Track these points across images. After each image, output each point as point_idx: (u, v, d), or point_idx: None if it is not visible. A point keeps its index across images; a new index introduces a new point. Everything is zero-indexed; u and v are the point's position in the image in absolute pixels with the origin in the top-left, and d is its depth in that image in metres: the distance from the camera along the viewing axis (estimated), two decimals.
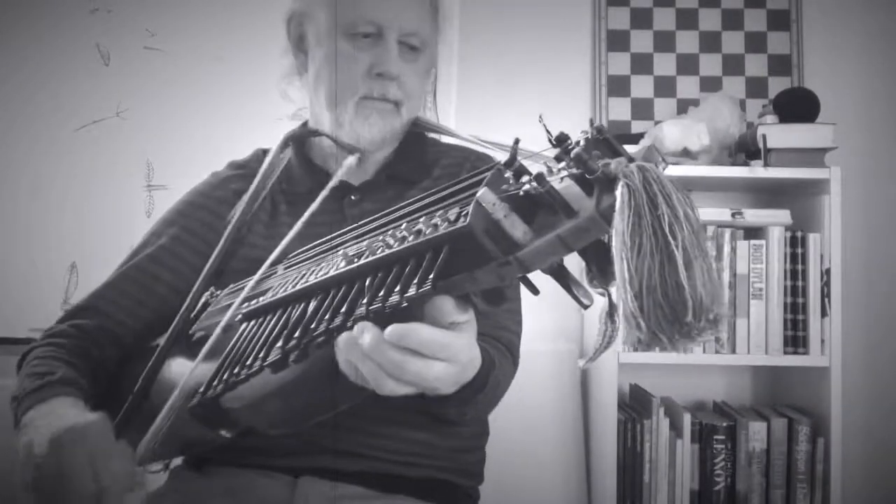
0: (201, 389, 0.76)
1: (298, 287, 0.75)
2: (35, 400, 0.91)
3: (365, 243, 0.73)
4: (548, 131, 0.58)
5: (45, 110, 2.10)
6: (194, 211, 1.14)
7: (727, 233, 1.82)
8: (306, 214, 0.98)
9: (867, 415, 2.06)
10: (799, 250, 1.81)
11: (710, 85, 2.12)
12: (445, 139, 1.20)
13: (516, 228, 0.57)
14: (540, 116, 0.63)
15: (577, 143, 0.56)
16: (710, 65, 2.13)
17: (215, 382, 0.76)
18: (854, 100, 2.11)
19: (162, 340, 1.02)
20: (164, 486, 1.07)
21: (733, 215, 1.82)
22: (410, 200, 0.75)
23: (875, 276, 2.09)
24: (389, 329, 0.62)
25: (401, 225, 0.70)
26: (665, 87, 2.13)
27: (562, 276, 0.61)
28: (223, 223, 1.10)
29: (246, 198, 1.10)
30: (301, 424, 0.80)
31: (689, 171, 1.83)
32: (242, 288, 0.91)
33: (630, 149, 0.58)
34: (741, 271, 1.80)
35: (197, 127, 2.07)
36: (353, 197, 1.11)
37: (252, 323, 0.80)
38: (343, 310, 0.67)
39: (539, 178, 0.55)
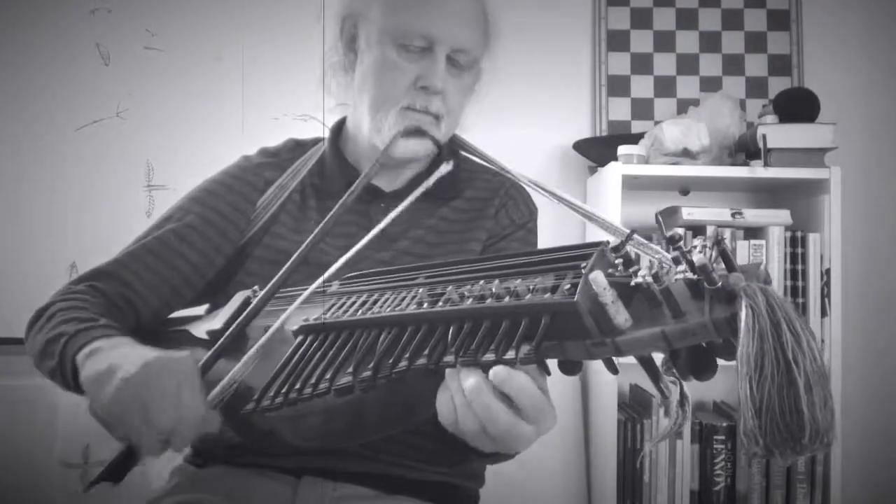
0: (255, 397, 0.76)
1: (371, 315, 0.75)
2: (90, 337, 0.89)
3: (450, 289, 0.73)
4: (661, 228, 0.62)
5: (45, 110, 2.10)
6: (225, 192, 1.12)
7: (727, 233, 1.82)
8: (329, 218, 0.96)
9: (867, 415, 2.06)
10: (799, 250, 1.81)
11: (710, 85, 2.12)
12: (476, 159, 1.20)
13: (620, 314, 0.61)
14: (657, 215, 0.67)
15: (694, 247, 0.60)
16: (710, 65, 2.13)
17: (272, 394, 0.75)
18: (854, 100, 2.11)
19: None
20: (167, 485, 1.07)
21: (733, 215, 1.83)
22: (499, 255, 0.77)
23: (875, 276, 2.09)
24: (494, 370, 0.64)
25: (492, 280, 0.72)
26: (665, 87, 2.13)
27: (650, 367, 0.65)
28: (253, 208, 1.10)
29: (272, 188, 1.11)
30: (334, 443, 0.81)
31: (689, 171, 1.83)
32: (289, 296, 0.90)
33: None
34: None
35: (197, 127, 2.08)
36: (381, 204, 1.11)
37: (310, 338, 0.79)
38: (426, 352, 0.68)
39: (657, 277, 0.59)
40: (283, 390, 0.75)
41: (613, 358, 0.64)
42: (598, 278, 0.61)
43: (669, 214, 1.91)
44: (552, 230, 2.10)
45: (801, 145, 1.79)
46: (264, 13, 2.13)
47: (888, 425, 2.09)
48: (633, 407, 1.93)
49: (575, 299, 0.61)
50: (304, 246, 0.90)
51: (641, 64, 2.13)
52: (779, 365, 0.53)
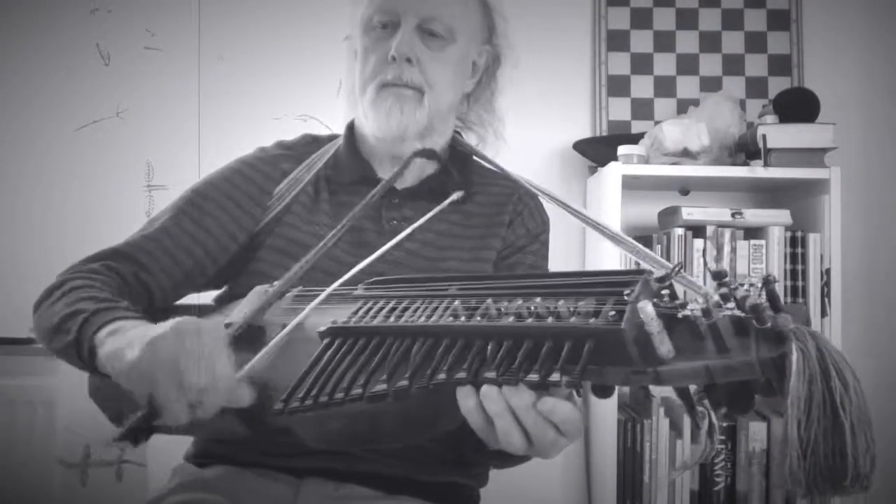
0: (283, 397, 0.75)
1: (405, 323, 0.75)
2: (112, 316, 0.87)
3: (488, 303, 0.73)
4: (706, 265, 0.63)
5: (45, 110, 2.11)
6: (242, 181, 1.12)
7: (727, 233, 1.82)
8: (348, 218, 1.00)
9: None
10: (799, 250, 1.81)
11: (710, 85, 2.12)
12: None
13: (664, 345, 0.62)
14: (704, 255, 0.69)
15: (741, 285, 0.61)
16: (710, 65, 2.13)
17: (301, 395, 0.74)
18: (854, 100, 2.11)
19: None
20: (167, 484, 1.07)
21: (733, 215, 1.83)
22: (536, 273, 0.79)
23: (875, 276, 2.09)
24: (543, 401, 0.66)
25: (531, 298, 0.72)
26: (665, 87, 2.13)
27: (686, 397, 0.66)
28: (269, 198, 1.11)
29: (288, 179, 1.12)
30: (350, 447, 0.80)
31: (689, 171, 1.83)
32: (311, 296, 0.90)
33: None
34: (741, 271, 1.80)
35: (197, 127, 2.08)
36: (394, 200, 1.11)
37: (339, 342, 0.78)
38: (465, 366, 0.69)
39: (707, 312, 0.60)
40: (314, 392, 0.74)
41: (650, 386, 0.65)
42: (647, 308, 0.62)
43: (669, 214, 1.91)
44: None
45: (801, 145, 1.79)
46: (265, 13, 2.13)
47: (888, 425, 2.09)
48: (633, 407, 1.93)
49: (622, 327, 0.62)
50: (320, 245, 0.91)
51: (641, 64, 2.13)
52: (825, 409, 0.56)
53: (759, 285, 0.60)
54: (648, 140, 1.89)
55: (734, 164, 1.90)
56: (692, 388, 0.65)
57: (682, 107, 2.09)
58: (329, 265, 1.01)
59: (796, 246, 1.81)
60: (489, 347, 0.69)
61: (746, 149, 1.87)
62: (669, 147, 1.83)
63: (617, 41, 2.13)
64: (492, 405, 0.67)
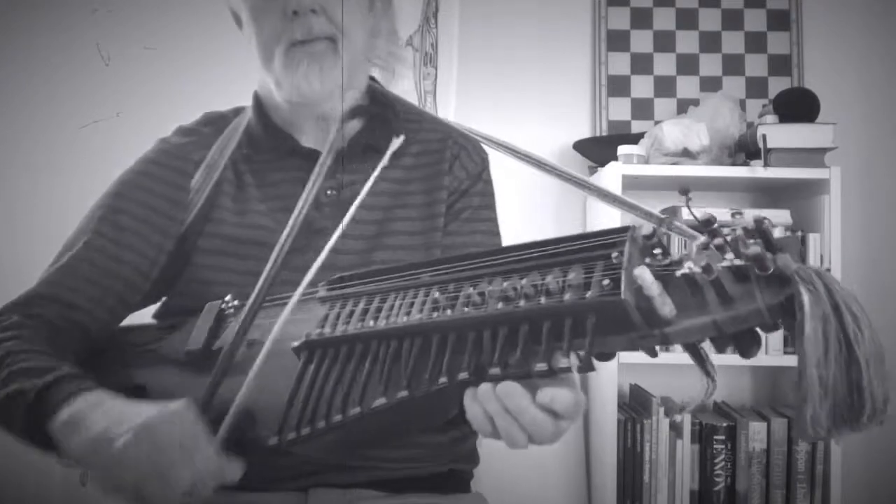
0: (277, 430, 0.71)
1: (388, 326, 0.70)
2: (59, 399, 0.78)
3: (470, 290, 0.69)
4: (693, 214, 0.62)
5: (45, 110, 2.10)
6: (153, 184, 1.01)
7: (726, 233, 1.82)
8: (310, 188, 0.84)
9: None
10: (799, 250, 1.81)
11: (710, 85, 2.12)
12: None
13: (665, 305, 0.60)
14: (687, 196, 0.66)
15: (733, 230, 0.60)
16: (710, 65, 2.13)
17: (296, 424, 0.69)
18: (854, 100, 2.11)
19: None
20: None
21: (733, 215, 1.82)
22: (513, 246, 0.73)
23: (875, 276, 2.09)
24: (542, 393, 0.64)
25: (511, 277, 0.68)
26: (665, 87, 2.13)
27: (696, 352, 0.64)
28: (187, 195, 1.00)
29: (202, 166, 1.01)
30: (349, 455, 0.77)
31: (689, 171, 1.83)
32: (276, 304, 0.82)
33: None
34: None
35: None
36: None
37: (318, 355, 0.73)
38: (464, 365, 0.66)
39: (707, 268, 0.58)
40: (308, 419, 0.70)
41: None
42: (645, 275, 0.60)
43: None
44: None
45: (801, 145, 1.79)
46: None
47: (889, 425, 2.08)
48: (633, 407, 1.93)
49: (622, 297, 0.60)
50: (277, 251, 0.80)
51: (641, 64, 2.13)
52: (840, 346, 0.55)
53: (751, 227, 0.60)
54: (648, 140, 1.89)
55: (734, 164, 1.90)
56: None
57: (682, 107, 2.09)
58: (269, 255, 0.93)
59: None
60: (485, 337, 0.65)
61: (746, 149, 1.87)
62: (669, 147, 1.83)
63: (617, 41, 2.13)
64: (489, 405, 0.66)
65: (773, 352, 1.79)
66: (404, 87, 2.03)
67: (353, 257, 0.97)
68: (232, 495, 0.94)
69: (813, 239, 1.80)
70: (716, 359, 0.63)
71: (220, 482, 0.72)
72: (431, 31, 2.09)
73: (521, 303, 0.65)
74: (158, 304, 1.06)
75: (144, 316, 1.05)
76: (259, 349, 0.75)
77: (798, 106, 1.84)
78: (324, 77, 0.95)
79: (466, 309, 0.67)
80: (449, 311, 0.68)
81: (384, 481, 0.98)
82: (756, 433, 1.79)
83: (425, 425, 0.74)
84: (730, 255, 0.59)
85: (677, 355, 1.80)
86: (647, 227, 0.65)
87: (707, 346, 0.64)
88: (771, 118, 1.83)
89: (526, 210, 2.07)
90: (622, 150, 1.85)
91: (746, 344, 0.61)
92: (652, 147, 1.87)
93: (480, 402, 0.66)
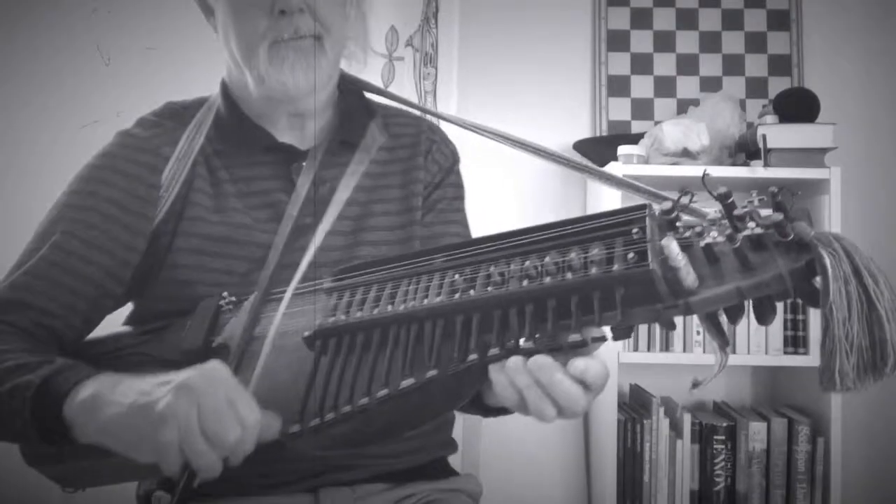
0: (298, 419, 0.70)
1: (407, 309, 0.70)
2: (71, 381, 0.77)
3: (491, 269, 0.69)
4: (709, 190, 0.65)
5: (45, 110, 2.10)
6: (120, 180, 0.96)
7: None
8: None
9: (867, 415, 2.06)
10: None
11: (710, 85, 2.12)
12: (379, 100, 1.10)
13: (689, 276, 0.62)
14: (704, 174, 0.68)
15: (751, 202, 0.63)
16: (710, 65, 2.13)
17: (320, 409, 0.69)
18: (854, 100, 2.11)
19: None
20: None
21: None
22: (531, 228, 0.73)
23: None
24: (574, 364, 0.65)
25: (537, 258, 0.68)
26: (665, 87, 2.13)
27: (716, 323, 0.66)
28: (157, 191, 0.96)
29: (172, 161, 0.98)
30: (358, 447, 0.76)
31: (689, 171, 1.83)
32: (271, 300, 0.83)
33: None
34: None
35: None
36: (303, 163, 0.99)
37: (333, 344, 0.73)
38: (492, 342, 0.66)
39: (731, 237, 0.61)
40: (332, 403, 0.69)
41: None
42: (672, 245, 0.62)
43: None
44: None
45: (801, 145, 1.79)
46: None
47: (889, 425, 2.09)
48: (633, 407, 1.93)
49: (651, 268, 0.61)
50: (277, 244, 0.82)
51: (641, 64, 2.13)
52: (862, 303, 0.60)
53: (767, 199, 0.63)
54: (648, 140, 1.89)
55: (734, 164, 1.90)
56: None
57: (682, 107, 2.09)
58: (253, 252, 0.94)
59: None
60: (511, 315, 0.66)
61: (746, 149, 1.87)
62: (669, 147, 1.83)
63: (617, 41, 2.13)
64: (519, 378, 0.65)
65: (773, 352, 1.79)
66: (404, 89, 2.03)
67: (336, 253, 0.97)
68: (244, 500, 0.94)
69: None
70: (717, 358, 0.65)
71: (262, 436, 0.71)
72: (431, 31, 2.09)
73: (546, 280, 0.65)
74: (129, 311, 1.01)
75: (107, 325, 1.00)
76: (259, 345, 0.75)
77: (798, 106, 1.84)
78: (308, 73, 0.94)
79: (489, 289, 0.67)
80: (472, 292, 0.68)
81: (388, 474, 1.00)
82: (756, 433, 1.79)
83: (447, 408, 0.73)
84: (751, 224, 0.62)
85: (677, 355, 1.81)
86: (665, 203, 0.68)
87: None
88: (771, 118, 1.83)
89: (526, 208, 2.07)
90: (622, 150, 1.85)
91: (765, 310, 0.64)
92: (652, 147, 1.87)
93: (510, 375, 0.66)
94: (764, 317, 0.64)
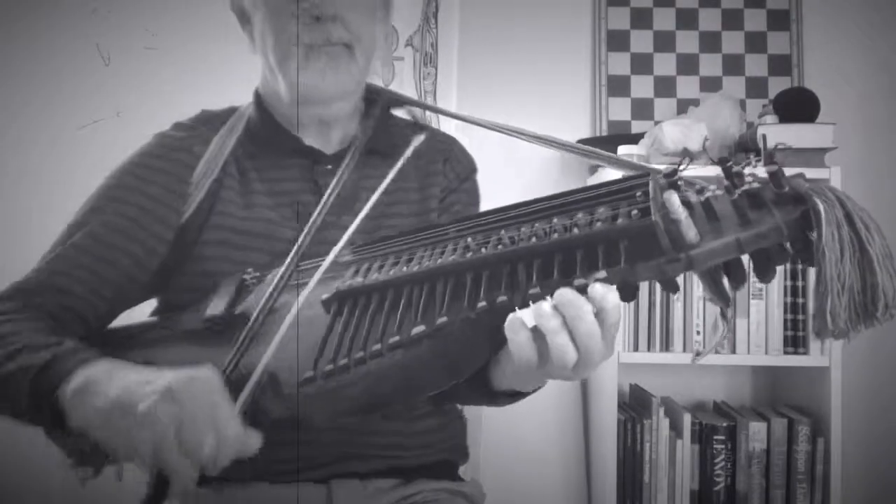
0: (313, 366, 0.71)
1: (422, 268, 0.72)
2: (71, 364, 0.78)
3: (501, 233, 0.72)
4: (710, 156, 0.69)
5: (45, 110, 2.10)
6: (154, 175, 1.02)
7: None
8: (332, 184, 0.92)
9: (867, 415, 2.06)
10: None
11: (710, 85, 2.12)
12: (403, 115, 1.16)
13: (691, 230, 0.64)
14: (704, 140, 0.72)
15: (742, 164, 0.66)
16: (710, 65, 2.13)
17: (332, 357, 0.70)
18: (854, 100, 2.11)
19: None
20: None
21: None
22: (540, 198, 0.77)
23: None
24: (593, 289, 0.65)
25: (549, 220, 0.71)
26: (665, 87, 2.13)
27: (718, 281, 0.68)
28: (188, 188, 1.01)
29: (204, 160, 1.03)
30: (366, 414, 0.77)
31: (689, 171, 1.82)
32: (302, 271, 0.85)
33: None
34: None
35: None
36: (328, 166, 1.04)
37: (350, 304, 0.74)
38: (502, 290, 0.68)
39: (729, 188, 0.64)
40: (346, 350, 0.70)
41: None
42: (673, 198, 0.64)
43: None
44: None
45: (801, 145, 1.79)
46: None
47: (889, 426, 2.09)
48: (633, 407, 1.93)
49: (653, 219, 0.63)
50: (309, 225, 0.87)
51: (641, 64, 2.13)
52: (854, 247, 0.62)
53: (766, 158, 0.66)
54: (648, 140, 1.89)
55: (735, 163, 1.90)
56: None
57: (682, 107, 2.09)
58: (275, 246, 0.97)
59: None
60: (519, 269, 0.68)
61: (746, 149, 1.87)
62: (669, 147, 1.83)
63: (617, 41, 2.13)
64: (548, 322, 0.65)
65: (773, 351, 1.79)
66: (404, 89, 2.03)
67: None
68: (256, 487, 0.97)
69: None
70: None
71: (240, 451, 0.71)
72: (431, 31, 2.09)
73: (555, 236, 0.68)
74: (157, 303, 1.05)
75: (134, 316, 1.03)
76: (280, 317, 0.77)
77: (798, 106, 1.84)
78: (339, 78, 0.99)
79: (499, 248, 0.70)
80: (483, 250, 0.71)
81: (399, 469, 1.02)
82: (756, 433, 1.79)
83: (459, 369, 0.72)
84: (748, 179, 0.65)
85: (677, 355, 1.81)
86: (667, 168, 0.70)
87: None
88: (771, 118, 1.83)
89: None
90: (622, 150, 1.85)
91: (764, 267, 0.66)
92: (652, 147, 1.87)
93: (539, 321, 0.65)
94: (764, 273, 0.66)
